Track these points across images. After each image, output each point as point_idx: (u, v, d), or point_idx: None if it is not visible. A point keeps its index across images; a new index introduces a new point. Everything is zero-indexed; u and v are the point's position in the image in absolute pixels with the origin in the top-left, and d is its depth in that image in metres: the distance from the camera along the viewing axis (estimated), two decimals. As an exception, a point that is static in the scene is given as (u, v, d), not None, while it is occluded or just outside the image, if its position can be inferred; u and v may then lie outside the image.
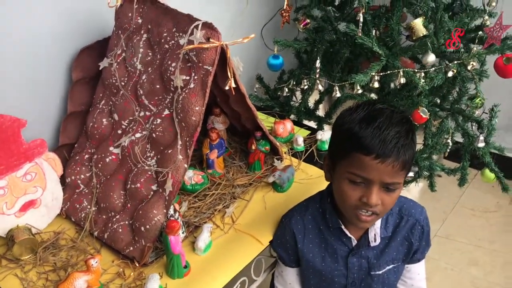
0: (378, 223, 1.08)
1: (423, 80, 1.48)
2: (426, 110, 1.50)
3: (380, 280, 1.13)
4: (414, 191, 2.32)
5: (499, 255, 2.06)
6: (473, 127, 1.69)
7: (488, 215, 2.29)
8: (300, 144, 1.56)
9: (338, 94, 1.64)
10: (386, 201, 0.97)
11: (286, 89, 1.83)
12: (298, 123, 1.77)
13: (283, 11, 1.69)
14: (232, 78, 1.08)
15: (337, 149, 1.02)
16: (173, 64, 1.12)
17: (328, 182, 1.12)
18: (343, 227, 1.08)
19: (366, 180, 0.95)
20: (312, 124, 1.93)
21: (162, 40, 1.16)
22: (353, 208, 0.99)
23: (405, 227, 1.11)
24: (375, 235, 1.09)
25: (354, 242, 1.10)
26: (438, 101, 1.72)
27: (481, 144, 1.61)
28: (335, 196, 1.05)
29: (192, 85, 1.09)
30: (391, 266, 1.12)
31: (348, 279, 1.13)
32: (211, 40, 1.04)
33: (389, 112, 0.96)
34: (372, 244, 1.09)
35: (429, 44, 1.45)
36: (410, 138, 0.95)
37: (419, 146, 1.70)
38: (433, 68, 1.49)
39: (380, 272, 1.12)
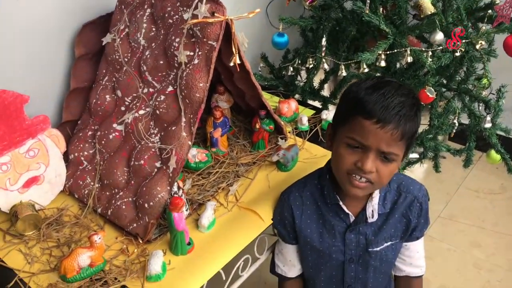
0: (376, 199, 1.08)
1: (431, 59, 1.46)
2: (433, 90, 1.48)
3: (378, 257, 1.13)
4: (418, 172, 2.31)
5: (502, 237, 2.06)
6: (480, 107, 1.67)
7: (492, 196, 2.29)
8: (304, 123, 1.55)
9: (344, 73, 1.62)
10: (382, 171, 0.97)
11: (291, 68, 1.81)
12: (302, 102, 1.75)
13: (289, -12, 1.66)
14: (237, 54, 1.06)
15: (340, 115, 1.02)
16: (177, 40, 1.10)
17: (327, 160, 1.12)
18: (341, 203, 1.08)
19: (364, 146, 0.95)
20: (317, 104, 1.91)
21: (166, 15, 1.14)
22: (347, 172, 0.99)
23: (403, 204, 1.10)
24: (372, 211, 1.08)
25: (352, 218, 1.10)
26: (445, 81, 1.70)
27: (487, 125, 1.60)
28: (332, 161, 1.05)
29: (196, 61, 1.08)
30: (389, 243, 1.12)
31: (345, 255, 1.13)
32: (215, 14, 1.02)
33: (396, 84, 0.97)
34: (370, 220, 1.09)
35: (437, 22, 1.42)
36: (413, 112, 0.95)
37: (424, 127, 1.69)
38: (441, 47, 1.47)
39: (378, 249, 1.11)
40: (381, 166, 0.96)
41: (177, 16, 1.12)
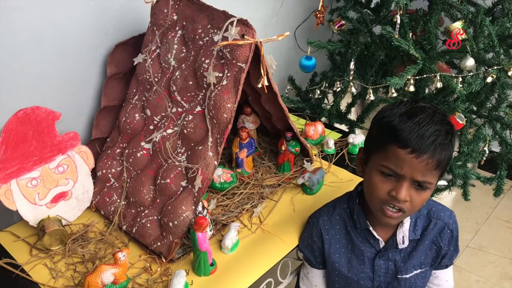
0: (407, 225, 1.06)
1: (461, 85, 1.44)
2: (463, 116, 1.45)
3: (407, 285, 1.10)
4: (446, 199, 2.26)
5: (535, 270, 1.98)
6: (511, 135, 1.64)
7: (524, 228, 2.21)
8: (331, 146, 1.54)
9: (372, 97, 1.61)
10: (415, 200, 0.95)
11: (318, 91, 1.81)
12: (329, 126, 1.75)
13: (317, 12, 1.67)
14: (265, 76, 1.07)
15: (373, 141, 1.00)
16: (207, 61, 1.11)
17: (356, 184, 1.11)
18: (371, 228, 1.06)
19: (398, 174, 0.93)
20: (344, 127, 1.90)
21: (197, 37, 1.16)
22: (381, 201, 0.97)
23: (434, 230, 1.08)
24: (403, 237, 1.06)
25: (382, 244, 1.07)
26: (475, 108, 1.67)
27: (519, 153, 1.56)
28: (364, 189, 1.04)
29: (224, 82, 1.09)
30: (418, 271, 1.09)
31: (374, 282, 1.10)
32: (245, 37, 1.03)
33: (431, 111, 0.95)
34: (400, 246, 1.06)
35: (468, 48, 1.40)
36: (448, 139, 0.93)
37: (454, 153, 1.66)
38: (471, 73, 1.45)
39: (407, 276, 1.09)
40: (414, 194, 0.95)
41: (207, 38, 1.14)
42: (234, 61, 1.07)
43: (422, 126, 0.91)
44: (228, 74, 1.09)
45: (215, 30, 1.12)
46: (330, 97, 1.93)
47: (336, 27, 1.69)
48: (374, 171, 0.97)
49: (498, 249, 2.08)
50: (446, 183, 1.73)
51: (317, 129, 1.59)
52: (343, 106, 1.91)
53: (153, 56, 1.24)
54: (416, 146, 0.90)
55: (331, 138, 1.56)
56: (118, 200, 1.23)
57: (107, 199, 1.25)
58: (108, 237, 1.19)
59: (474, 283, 1.92)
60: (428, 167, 0.91)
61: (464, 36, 1.42)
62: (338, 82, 1.69)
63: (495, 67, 1.45)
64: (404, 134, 0.91)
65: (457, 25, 1.43)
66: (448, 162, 0.95)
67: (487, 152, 1.63)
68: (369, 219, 1.06)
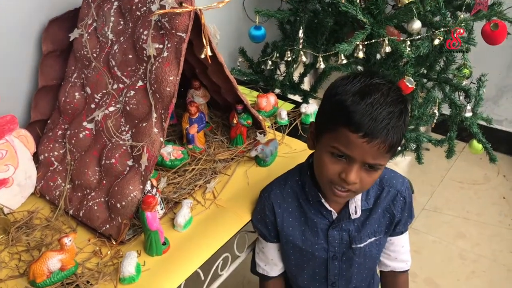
0: (358, 195, 1.05)
1: (409, 49, 1.43)
2: (412, 80, 1.46)
3: (362, 253, 1.10)
4: (402, 164, 2.30)
5: (486, 227, 2.05)
6: (460, 97, 1.66)
7: (476, 187, 2.28)
8: (283, 117, 1.52)
9: (323, 66, 1.59)
10: (365, 181, 0.94)
11: (270, 62, 1.78)
12: (282, 97, 1.72)
13: (265, -20, 1.63)
14: (208, 46, 1.02)
15: (325, 120, 0.97)
16: (145, 32, 1.06)
17: (307, 154, 1.09)
18: (323, 200, 1.05)
19: (349, 157, 0.91)
20: (297, 98, 1.88)
21: (134, 7, 1.10)
22: (329, 181, 0.96)
23: (387, 199, 1.08)
24: (355, 207, 1.05)
25: (335, 215, 1.07)
26: (425, 72, 1.68)
27: (468, 114, 1.58)
28: (314, 165, 1.02)
29: (165, 54, 1.04)
30: (372, 239, 1.10)
31: (329, 253, 1.10)
32: (183, 4, 0.98)
33: (385, 88, 0.90)
34: (353, 216, 1.06)
35: (414, 11, 1.40)
36: (402, 121, 0.91)
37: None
38: (419, 36, 1.45)
39: (362, 245, 1.09)
40: (364, 176, 0.93)
41: (144, 8, 1.08)
42: (173, 31, 1.02)
43: (375, 109, 0.87)
44: (169, 45, 1.04)
45: None
46: (283, 68, 1.90)
47: (284, -5, 1.66)
48: (325, 152, 0.95)
49: (453, 209, 2.15)
50: (399, 148, 1.75)
51: (269, 100, 1.56)
52: (296, 76, 1.89)
53: (89, 31, 1.18)
54: (368, 130, 0.87)
55: (284, 109, 1.54)
56: (63, 184, 1.18)
57: (52, 184, 1.19)
58: (54, 222, 1.14)
59: (430, 243, 1.97)
60: (380, 151, 0.89)
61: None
62: (288, 52, 1.66)
63: (442, 29, 1.45)
64: (357, 117, 0.87)
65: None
66: (400, 143, 0.93)
67: (438, 114, 1.65)
68: (321, 191, 1.05)
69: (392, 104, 0.89)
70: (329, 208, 1.06)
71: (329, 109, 0.96)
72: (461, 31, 1.43)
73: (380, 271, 1.24)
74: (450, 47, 1.44)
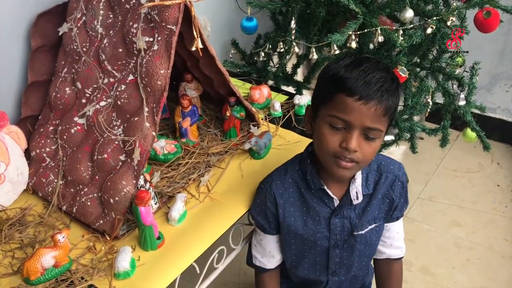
0: (359, 180, 1.06)
1: (402, 38, 1.43)
2: (405, 69, 1.45)
3: (363, 240, 1.11)
4: (396, 154, 2.30)
5: (481, 215, 2.06)
6: (454, 86, 1.66)
7: (470, 175, 2.29)
8: (277, 109, 1.51)
9: (315, 56, 1.58)
10: (366, 150, 0.95)
11: (262, 54, 1.76)
12: (276, 88, 1.72)
13: (256, -30, 1.61)
14: (199, 38, 1.01)
15: (320, 95, 0.99)
16: (135, 25, 1.05)
17: (305, 146, 1.09)
18: (325, 187, 1.05)
19: (347, 123, 0.93)
20: (291, 89, 1.87)
21: (123, 0, 1.08)
22: (332, 154, 0.96)
23: (385, 184, 1.09)
24: (357, 192, 1.06)
25: (337, 203, 1.07)
26: (418, 61, 1.68)
27: (461, 102, 1.58)
28: (315, 145, 1.02)
29: (156, 47, 1.03)
30: (373, 226, 1.10)
31: (330, 241, 1.10)
32: (173, -3, 0.97)
33: (375, 60, 0.96)
34: (355, 202, 1.06)
35: (406, 0, 1.39)
36: (394, 86, 0.94)
37: (399, 107, 1.67)
38: (412, 25, 1.44)
39: (363, 232, 1.10)
40: (365, 144, 0.95)
41: (134, 1, 1.07)
42: (163, 24, 1.01)
43: (368, 74, 0.91)
44: (159, 38, 1.03)
45: (142, -8, 1.05)
46: (276, 59, 1.89)
47: (276, -14, 1.64)
48: (323, 124, 0.96)
49: (447, 198, 2.15)
50: (393, 138, 1.74)
51: (262, 92, 1.55)
52: (289, 67, 1.88)
53: (79, 25, 1.16)
54: (364, 92, 0.90)
55: (278, 101, 1.53)
56: (56, 180, 1.17)
57: (44, 180, 1.18)
58: (47, 219, 1.13)
59: (425, 232, 1.98)
60: (377, 113, 0.91)
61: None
62: (281, 43, 1.65)
63: (435, 18, 1.45)
64: (351, 82, 0.91)
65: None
66: (395, 109, 0.96)
67: (431, 103, 1.65)
68: (323, 178, 1.05)
69: (383, 71, 0.94)
70: (331, 195, 1.06)
71: (324, 84, 0.99)
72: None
73: (374, 260, 1.24)
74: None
